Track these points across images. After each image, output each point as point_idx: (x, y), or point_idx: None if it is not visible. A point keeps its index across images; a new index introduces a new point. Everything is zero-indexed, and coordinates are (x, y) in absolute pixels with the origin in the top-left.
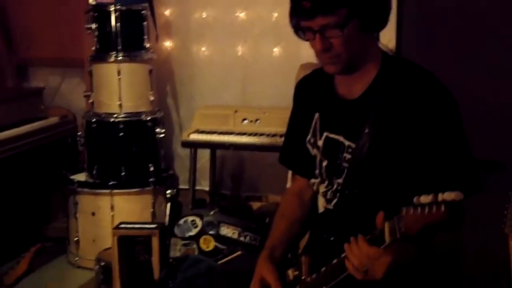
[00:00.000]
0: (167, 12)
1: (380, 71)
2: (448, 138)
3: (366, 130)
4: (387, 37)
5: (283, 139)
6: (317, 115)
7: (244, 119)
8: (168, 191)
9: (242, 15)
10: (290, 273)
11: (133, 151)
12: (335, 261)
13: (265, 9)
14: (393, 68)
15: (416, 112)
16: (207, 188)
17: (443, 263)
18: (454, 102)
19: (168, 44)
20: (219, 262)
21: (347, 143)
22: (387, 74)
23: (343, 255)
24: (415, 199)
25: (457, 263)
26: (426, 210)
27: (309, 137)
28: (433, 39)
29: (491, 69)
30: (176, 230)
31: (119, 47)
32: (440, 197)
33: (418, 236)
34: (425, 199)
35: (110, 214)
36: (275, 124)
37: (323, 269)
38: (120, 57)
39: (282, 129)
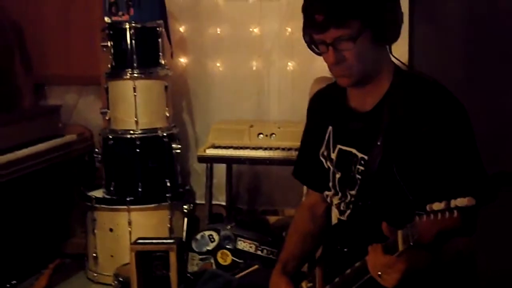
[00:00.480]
0: (181, 29)
1: (392, 83)
2: (458, 149)
3: (379, 142)
4: (400, 51)
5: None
6: (330, 128)
7: (260, 134)
8: (185, 206)
9: (256, 30)
10: (304, 285)
11: (150, 167)
12: (348, 271)
13: (279, 24)
14: (405, 81)
15: (427, 124)
16: (223, 203)
17: (458, 269)
18: (465, 114)
19: (183, 60)
20: (237, 276)
21: (360, 155)
22: (399, 87)
23: (356, 264)
24: (427, 206)
25: (472, 270)
26: (439, 216)
27: (322, 149)
28: (445, 53)
29: (502, 82)
30: (194, 245)
31: (135, 64)
32: (453, 203)
33: (432, 243)
34: (438, 206)
35: (127, 229)
36: (290, 138)
37: (336, 279)
38: (136, 74)
39: (297, 143)
